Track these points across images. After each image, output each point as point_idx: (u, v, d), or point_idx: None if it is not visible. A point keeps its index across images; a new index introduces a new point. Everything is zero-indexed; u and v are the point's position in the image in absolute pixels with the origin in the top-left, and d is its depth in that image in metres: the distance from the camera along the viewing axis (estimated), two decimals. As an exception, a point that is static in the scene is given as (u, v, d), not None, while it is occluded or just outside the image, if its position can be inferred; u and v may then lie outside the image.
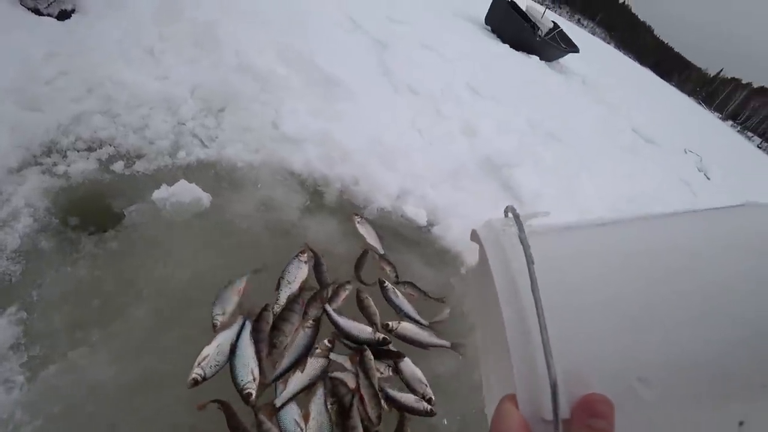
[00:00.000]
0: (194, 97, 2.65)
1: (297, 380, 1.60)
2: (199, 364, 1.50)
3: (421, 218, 2.50)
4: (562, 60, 10.41)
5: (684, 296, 0.35)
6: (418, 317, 1.99)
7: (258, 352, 1.61)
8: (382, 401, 1.64)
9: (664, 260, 0.38)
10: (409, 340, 1.89)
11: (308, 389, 1.60)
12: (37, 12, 2.56)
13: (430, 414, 1.66)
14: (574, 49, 10.31)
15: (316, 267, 1.98)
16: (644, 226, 0.43)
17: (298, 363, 1.65)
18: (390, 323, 1.89)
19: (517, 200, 2.96)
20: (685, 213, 0.44)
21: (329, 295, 1.89)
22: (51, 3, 2.59)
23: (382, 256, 2.22)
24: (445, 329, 2.02)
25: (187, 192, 2.01)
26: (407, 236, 2.45)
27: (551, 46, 9.60)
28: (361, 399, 1.62)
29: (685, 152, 9.85)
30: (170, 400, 1.46)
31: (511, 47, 8.62)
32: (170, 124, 2.43)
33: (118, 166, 2.09)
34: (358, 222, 2.28)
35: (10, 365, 1.39)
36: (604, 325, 0.35)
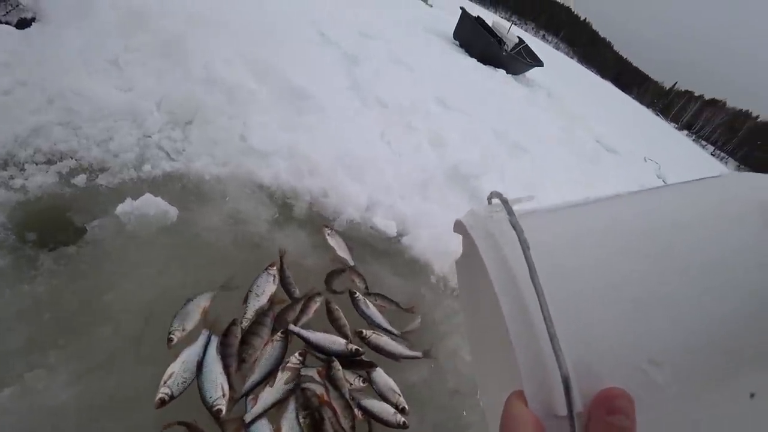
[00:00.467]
0: (161, 110, 2.61)
1: (267, 395, 1.59)
2: (165, 382, 1.47)
3: (391, 229, 2.54)
4: (527, 73, 10.80)
5: (685, 272, 0.34)
6: (390, 327, 2.02)
7: (227, 367, 1.59)
8: (356, 410, 1.65)
9: (661, 237, 0.36)
10: (382, 350, 1.91)
11: (279, 404, 1.60)
12: (-5, 20, 2.48)
13: (403, 427, 1.67)
14: (539, 63, 10.73)
15: (282, 279, 1.98)
16: (633, 202, 0.41)
17: (268, 377, 1.64)
18: (363, 331, 1.91)
19: (484, 210, 3.04)
20: (669, 186, 0.43)
21: (299, 309, 1.89)
22: (9, 11, 2.51)
23: (351, 268, 2.24)
24: (416, 338, 2.06)
25: (152, 206, 1.97)
26: (377, 247, 2.48)
27: (517, 60, 9.96)
28: (334, 411, 1.62)
29: (645, 160, 10.39)
30: (137, 421, 1.42)
31: (478, 61, 8.89)
32: (135, 136, 2.39)
33: (80, 180, 2.03)
34: (328, 234, 2.30)
35: (-40, 390, 1.32)
36: (607, 310, 0.33)
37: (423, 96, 4.62)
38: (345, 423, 1.59)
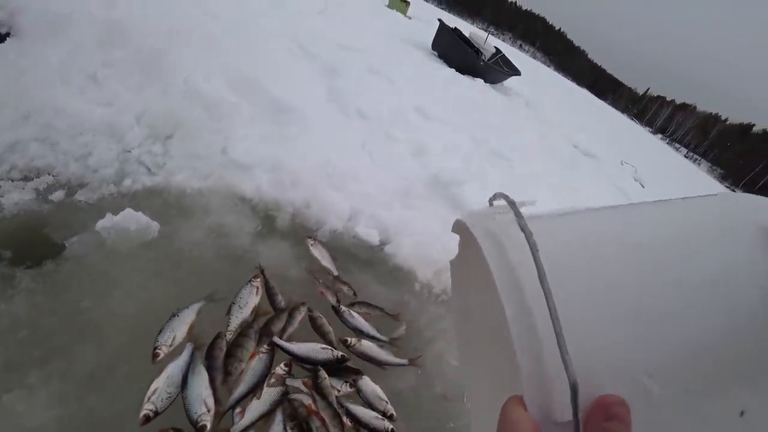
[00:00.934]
0: (140, 124, 2.60)
1: (254, 407, 1.58)
2: (149, 398, 1.45)
3: (374, 238, 2.57)
4: (505, 82, 11.05)
5: (682, 286, 0.35)
6: (378, 335, 2.04)
7: (212, 380, 1.59)
8: (344, 417, 1.66)
9: (659, 250, 0.37)
10: (367, 357, 1.93)
11: (267, 416, 1.60)
12: (-33, 37, 2.45)
13: (390, 433, 1.68)
14: (516, 72, 10.99)
15: (267, 291, 1.99)
16: (633, 214, 0.42)
17: (255, 389, 1.64)
18: (348, 339, 1.93)
19: (465, 217, 3.10)
20: (668, 202, 0.44)
21: (284, 320, 1.90)
22: (-18, 27, 2.49)
23: (336, 277, 2.26)
24: (402, 345, 2.08)
25: (133, 220, 1.96)
26: (360, 256, 2.51)
27: (495, 70, 10.19)
28: (322, 420, 1.63)
29: (622, 164, 10.71)
30: (121, 440, 1.41)
31: (457, 71, 9.06)
32: (115, 151, 2.38)
33: (58, 196, 2.01)
34: (311, 244, 2.31)
35: (-65, 414, 1.29)
36: (607, 320, 0.33)
37: (403, 106, 4.69)
38: (334, 431, 1.60)
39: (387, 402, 1.77)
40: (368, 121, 3.91)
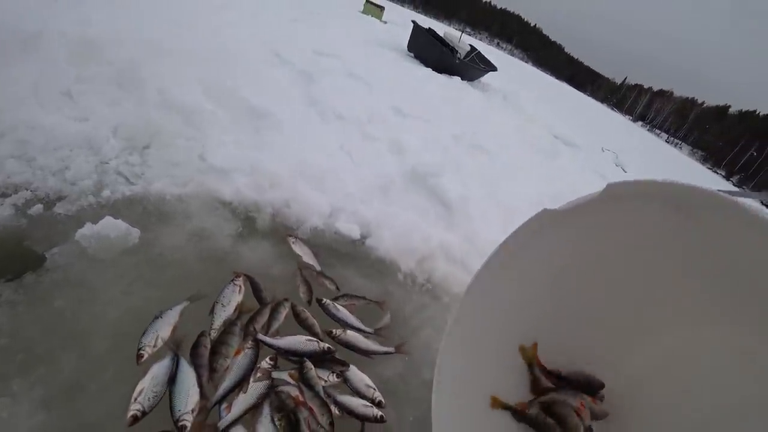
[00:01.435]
0: (117, 136, 2.62)
1: (241, 401, 1.61)
2: (135, 399, 1.47)
3: (354, 232, 2.61)
4: (483, 79, 11.20)
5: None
6: (363, 326, 2.08)
7: (198, 377, 1.62)
8: (333, 407, 1.70)
9: None
10: (353, 347, 1.96)
11: (254, 409, 1.62)
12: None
13: (380, 420, 1.71)
14: (493, 68, 11.15)
15: (254, 288, 2.02)
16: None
17: (241, 383, 1.67)
18: (333, 330, 1.96)
19: (445, 206, 3.17)
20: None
21: (268, 316, 1.93)
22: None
23: (320, 273, 2.29)
24: (388, 335, 2.12)
25: (113, 228, 1.98)
26: (342, 251, 2.55)
27: (471, 67, 10.33)
28: (311, 410, 1.66)
29: (603, 150, 10.88)
30: (109, 442, 1.42)
31: (433, 70, 9.17)
32: (92, 163, 2.40)
33: (37, 210, 2.02)
34: (293, 242, 2.35)
35: None
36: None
37: (380, 107, 4.76)
38: (323, 420, 1.63)
39: (375, 389, 1.81)
40: (346, 123, 3.96)
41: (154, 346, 1.64)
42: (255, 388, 1.65)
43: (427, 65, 9.53)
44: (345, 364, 1.86)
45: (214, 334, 1.77)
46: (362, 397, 1.78)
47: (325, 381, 1.77)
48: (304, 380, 1.73)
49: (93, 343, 1.64)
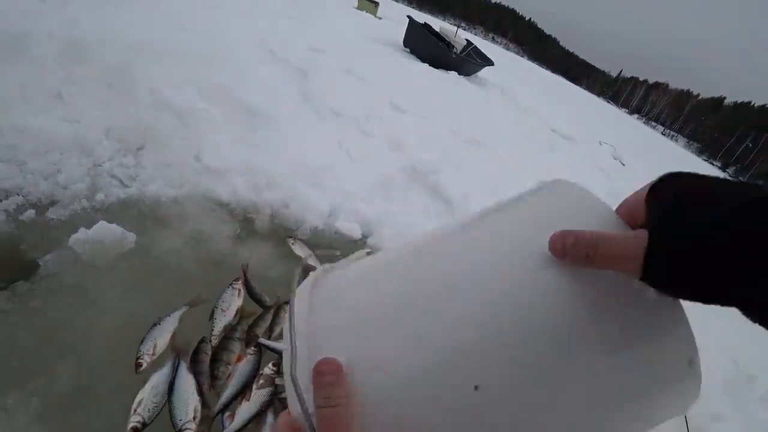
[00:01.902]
0: (110, 138, 2.56)
1: (244, 410, 1.57)
2: (135, 410, 1.43)
3: (355, 232, 2.57)
4: (479, 73, 11.14)
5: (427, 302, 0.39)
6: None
7: (199, 386, 1.57)
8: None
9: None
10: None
11: (258, 417, 1.58)
12: None
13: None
14: (489, 62, 11.09)
15: (249, 292, 1.97)
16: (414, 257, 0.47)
17: (243, 391, 1.62)
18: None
19: (446, 202, 3.13)
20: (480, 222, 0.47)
21: (270, 320, 1.88)
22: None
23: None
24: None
25: (108, 233, 1.93)
26: (343, 251, 2.50)
27: (467, 62, 10.27)
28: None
29: (600, 144, 10.87)
30: (109, 454, 1.38)
31: (430, 66, 9.11)
32: (85, 166, 2.34)
33: (29, 215, 1.96)
34: (293, 243, 2.31)
35: None
36: (347, 324, 0.40)
37: (377, 103, 4.70)
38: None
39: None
40: (343, 120, 3.91)
41: (153, 354, 1.60)
42: (258, 395, 1.61)
43: (423, 60, 9.47)
44: None
45: (214, 340, 1.72)
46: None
47: None
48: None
49: (90, 352, 1.59)
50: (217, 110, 3.14)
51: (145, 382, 1.51)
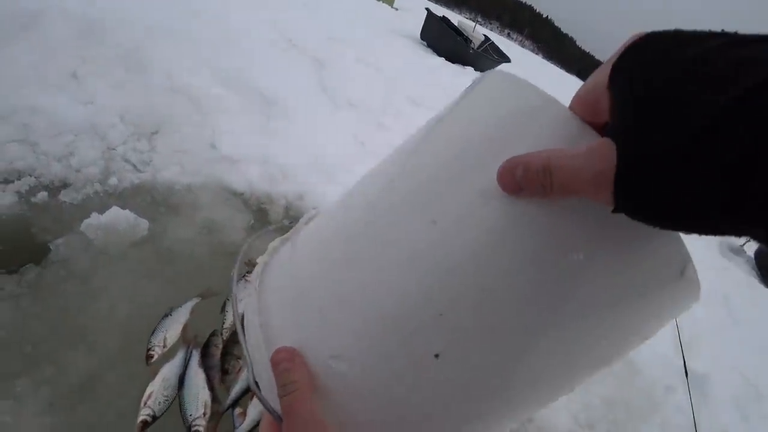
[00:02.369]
0: (124, 122, 2.51)
1: (254, 408, 1.53)
2: (145, 403, 1.39)
3: (370, 228, 2.51)
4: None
5: (355, 262, 0.37)
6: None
7: (210, 380, 1.53)
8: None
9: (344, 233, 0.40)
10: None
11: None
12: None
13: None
14: (506, 59, 10.93)
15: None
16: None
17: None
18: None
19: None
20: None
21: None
22: (-48, 28, 2.39)
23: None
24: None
25: (121, 219, 1.89)
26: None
27: (484, 58, 10.12)
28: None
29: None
30: (118, 448, 1.35)
31: (446, 60, 8.98)
32: (99, 150, 2.29)
33: (41, 197, 1.92)
34: (307, 236, 2.26)
35: None
36: (295, 315, 0.38)
37: (394, 96, 4.63)
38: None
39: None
40: (359, 111, 3.84)
41: (164, 346, 1.55)
42: (268, 392, 1.57)
43: (440, 54, 9.33)
44: None
45: (225, 333, 1.68)
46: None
47: None
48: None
49: (100, 341, 1.56)
50: (234, 97, 3.08)
51: (155, 374, 1.47)
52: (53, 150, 2.16)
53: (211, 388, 1.51)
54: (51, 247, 1.76)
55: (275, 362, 0.36)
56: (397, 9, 15.06)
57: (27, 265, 1.67)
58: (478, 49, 10.19)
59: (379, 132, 3.64)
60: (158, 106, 2.65)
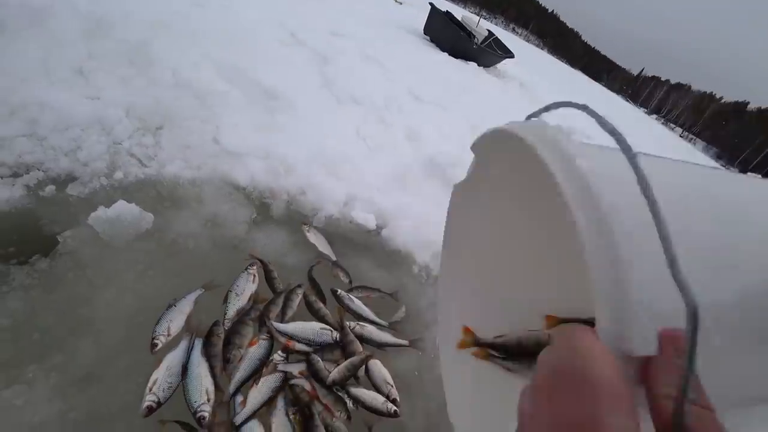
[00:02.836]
0: (130, 116, 2.56)
1: (255, 395, 1.58)
2: (150, 389, 1.45)
3: (370, 222, 2.55)
4: (499, 65, 10.94)
5: (751, 240, 0.34)
6: (376, 319, 2.04)
7: (212, 368, 1.59)
8: (348, 401, 1.66)
9: (736, 207, 0.37)
10: (367, 340, 1.92)
11: (269, 403, 1.59)
12: (-54, 33, 2.39)
13: (394, 415, 1.69)
14: (510, 54, 10.87)
15: (267, 276, 1.98)
16: (707, 174, 0.41)
17: (253, 375, 1.63)
18: (348, 323, 1.92)
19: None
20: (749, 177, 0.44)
21: (282, 304, 1.89)
22: (-39, 22, 2.43)
23: (335, 263, 2.25)
24: (402, 328, 2.08)
25: (126, 213, 1.94)
26: (357, 241, 2.49)
27: (488, 53, 10.07)
28: (326, 405, 1.63)
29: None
30: (124, 432, 1.40)
31: (450, 55, 8.96)
32: (105, 144, 2.34)
33: (49, 191, 1.98)
34: (308, 231, 2.30)
35: (-66, 411, 1.28)
36: (684, 258, 0.27)
37: (396, 91, 4.64)
38: (340, 415, 1.60)
39: (392, 386, 1.77)
40: (362, 107, 3.87)
41: (168, 335, 1.61)
42: (268, 381, 1.62)
43: (443, 49, 9.31)
44: (369, 357, 1.83)
45: (227, 324, 1.73)
46: (378, 391, 1.74)
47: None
48: (314, 374, 1.70)
49: (107, 330, 1.61)
50: (237, 92, 3.12)
51: (159, 362, 1.53)
52: (61, 144, 2.21)
53: (214, 376, 1.57)
54: (59, 239, 1.81)
55: (676, 336, 0.27)
56: (401, 3, 14.99)
57: (36, 256, 1.72)
58: (481, 44, 10.15)
59: (380, 128, 3.67)
60: (163, 101, 2.69)
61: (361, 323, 1.96)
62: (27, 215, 1.88)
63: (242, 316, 1.78)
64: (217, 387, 1.56)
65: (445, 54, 8.96)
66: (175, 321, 1.66)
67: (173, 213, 2.16)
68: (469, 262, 0.55)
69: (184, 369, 1.55)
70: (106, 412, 1.43)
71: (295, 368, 1.71)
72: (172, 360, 1.55)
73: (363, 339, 1.91)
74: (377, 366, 1.81)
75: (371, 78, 4.72)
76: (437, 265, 2.55)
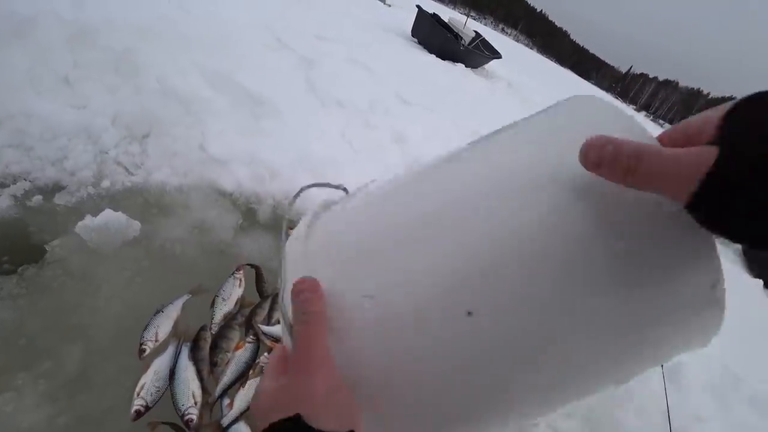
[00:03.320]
0: (116, 125, 2.58)
1: (242, 397, 1.62)
2: (138, 394, 1.49)
3: (356, 226, 2.59)
4: (486, 66, 11.04)
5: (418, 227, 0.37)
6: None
7: (199, 372, 1.63)
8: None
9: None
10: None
11: (255, 404, 1.63)
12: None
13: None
14: (497, 55, 10.99)
15: (258, 280, 2.02)
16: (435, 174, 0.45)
17: (240, 378, 1.68)
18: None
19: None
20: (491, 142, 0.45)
21: (268, 308, 1.93)
22: (-56, 34, 2.44)
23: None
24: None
25: (113, 221, 1.97)
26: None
27: (475, 54, 10.17)
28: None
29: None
30: (113, 436, 1.44)
31: (437, 57, 9.04)
32: (91, 153, 2.37)
33: (36, 201, 2.00)
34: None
35: (-76, 419, 1.31)
36: (340, 253, 0.40)
37: (383, 94, 4.69)
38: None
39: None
40: (347, 111, 3.91)
41: (156, 340, 1.65)
42: (255, 383, 1.67)
43: (431, 51, 9.39)
44: None
45: (214, 328, 1.77)
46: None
47: None
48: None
49: (95, 337, 1.65)
50: (222, 98, 3.15)
51: (147, 367, 1.57)
52: (48, 154, 2.24)
53: (201, 379, 1.61)
54: (47, 249, 1.84)
55: (297, 291, 0.36)
56: (390, 5, 15.05)
57: (24, 266, 1.75)
58: (469, 45, 10.25)
59: (366, 131, 3.72)
60: (149, 109, 2.71)
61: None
62: (14, 225, 1.90)
63: (229, 320, 1.82)
64: (205, 390, 1.60)
65: (433, 56, 9.04)
66: (163, 326, 1.69)
67: (160, 220, 2.19)
68: None
69: (172, 373, 1.59)
70: (94, 417, 1.46)
71: None
72: (160, 365, 1.58)
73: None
74: None
75: (357, 81, 4.76)
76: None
